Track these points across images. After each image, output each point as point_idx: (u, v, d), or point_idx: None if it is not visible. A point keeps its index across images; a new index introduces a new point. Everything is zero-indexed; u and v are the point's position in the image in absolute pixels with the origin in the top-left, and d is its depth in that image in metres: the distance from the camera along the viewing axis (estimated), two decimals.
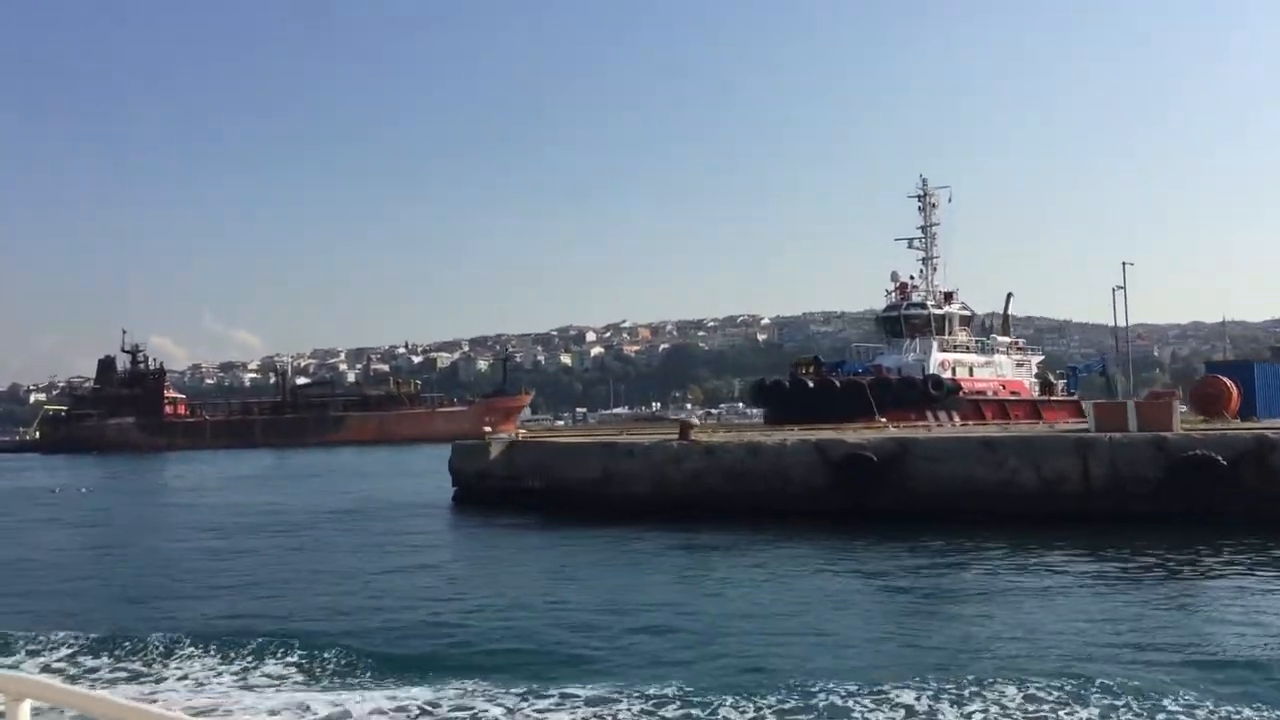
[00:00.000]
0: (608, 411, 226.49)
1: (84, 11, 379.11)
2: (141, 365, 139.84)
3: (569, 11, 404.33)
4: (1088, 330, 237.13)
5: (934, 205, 61.63)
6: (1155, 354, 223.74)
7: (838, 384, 55.17)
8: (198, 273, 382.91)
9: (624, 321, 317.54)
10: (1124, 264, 39.62)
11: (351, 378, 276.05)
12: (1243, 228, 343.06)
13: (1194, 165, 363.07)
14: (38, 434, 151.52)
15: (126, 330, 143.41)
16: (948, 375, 56.60)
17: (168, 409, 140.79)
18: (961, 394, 56.16)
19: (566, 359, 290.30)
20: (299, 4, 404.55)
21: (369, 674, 15.17)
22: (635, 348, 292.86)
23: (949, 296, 60.83)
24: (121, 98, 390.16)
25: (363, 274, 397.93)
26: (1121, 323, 43.30)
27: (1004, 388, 59.91)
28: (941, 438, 31.99)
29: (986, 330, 63.67)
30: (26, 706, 4.06)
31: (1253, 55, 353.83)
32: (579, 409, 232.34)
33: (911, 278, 61.25)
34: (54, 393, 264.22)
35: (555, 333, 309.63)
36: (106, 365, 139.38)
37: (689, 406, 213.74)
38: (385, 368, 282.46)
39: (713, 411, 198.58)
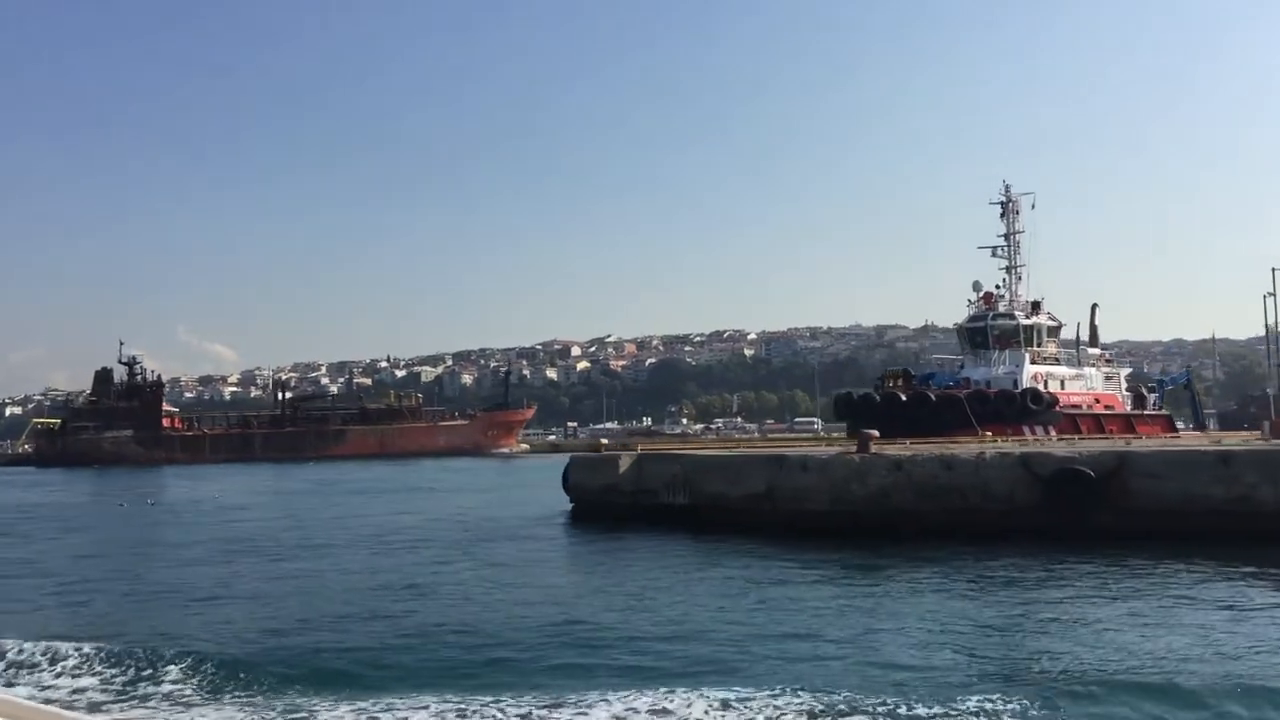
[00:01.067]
0: (599, 426, 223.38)
1: (51, 33, 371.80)
2: (138, 378, 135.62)
3: (558, 28, 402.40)
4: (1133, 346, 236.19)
5: (1017, 212, 59.74)
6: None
7: (933, 397, 52.96)
8: (171, 286, 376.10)
9: (609, 336, 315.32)
10: (1274, 270, 37.52)
11: (334, 390, 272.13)
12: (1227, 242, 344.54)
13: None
14: (26, 447, 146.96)
15: (124, 342, 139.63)
16: (1041, 389, 54.55)
17: (164, 422, 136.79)
18: (1058, 408, 54.14)
19: (552, 373, 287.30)
20: (275, 22, 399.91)
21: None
22: (622, 362, 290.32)
23: (1036, 306, 58.85)
24: (94, 110, 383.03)
25: (339, 288, 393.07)
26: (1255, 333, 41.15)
27: (1097, 401, 57.92)
28: (1163, 450, 29.72)
29: (1074, 343, 61.61)
30: None
31: None
32: (570, 423, 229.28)
33: (997, 286, 59.28)
34: (29, 406, 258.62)
35: (540, 347, 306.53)
36: (103, 377, 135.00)
37: (684, 421, 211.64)
38: (368, 381, 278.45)
39: (711, 426, 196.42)
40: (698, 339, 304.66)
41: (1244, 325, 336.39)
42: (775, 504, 32.31)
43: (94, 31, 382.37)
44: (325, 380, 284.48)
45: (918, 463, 30.29)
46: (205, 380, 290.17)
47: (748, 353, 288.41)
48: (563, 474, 41.42)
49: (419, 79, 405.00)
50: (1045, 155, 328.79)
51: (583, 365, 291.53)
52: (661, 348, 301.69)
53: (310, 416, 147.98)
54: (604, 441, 52.68)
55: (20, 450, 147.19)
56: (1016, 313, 58.38)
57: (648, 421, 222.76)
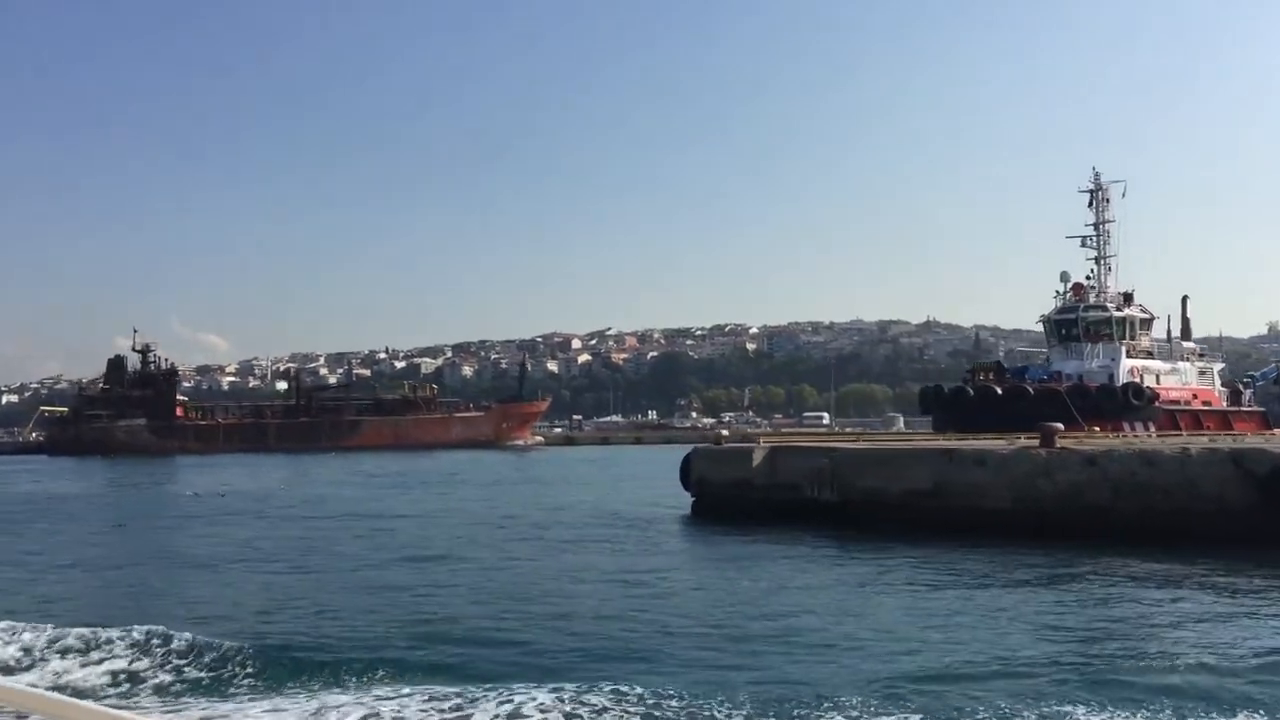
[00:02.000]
0: (603, 419, 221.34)
1: (50, 32, 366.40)
2: (152, 366, 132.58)
3: (558, 28, 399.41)
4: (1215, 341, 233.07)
5: (1107, 200, 57.83)
6: None
7: (1031, 390, 51.04)
8: (166, 277, 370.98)
9: (609, 329, 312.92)
10: None
11: (333, 381, 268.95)
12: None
13: None
14: (33, 435, 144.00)
15: (137, 330, 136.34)
16: (1140, 383, 52.75)
17: (177, 411, 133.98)
18: (1157, 404, 52.35)
19: (553, 366, 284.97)
20: (275, 21, 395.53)
21: None
22: (623, 356, 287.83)
23: (1128, 298, 56.99)
24: (92, 108, 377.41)
25: (336, 281, 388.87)
26: None
27: (1195, 397, 56.14)
28: None
29: (1165, 337, 59.81)
30: None
31: None
32: (575, 416, 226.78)
33: (1087, 277, 57.36)
34: (25, 394, 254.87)
35: (540, 339, 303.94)
36: (116, 365, 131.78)
37: (694, 415, 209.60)
38: (367, 372, 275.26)
39: (723, 420, 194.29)
40: (699, 333, 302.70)
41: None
42: (944, 501, 30.25)
43: (91, 30, 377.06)
44: (324, 371, 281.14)
45: (1114, 458, 28.26)
46: (203, 370, 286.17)
47: (749, 347, 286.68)
48: (681, 467, 39.27)
49: (419, 78, 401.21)
50: (1045, 154, 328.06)
51: (584, 358, 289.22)
52: (663, 341, 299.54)
53: (325, 407, 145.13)
54: (724, 433, 50.56)
55: (27, 439, 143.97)
56: (1108, 305, 56.53)
57: (653, 415, 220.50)
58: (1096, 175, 58.14)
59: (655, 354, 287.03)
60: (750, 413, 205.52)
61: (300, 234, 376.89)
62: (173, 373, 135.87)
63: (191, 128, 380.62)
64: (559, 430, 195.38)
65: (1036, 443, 30.43)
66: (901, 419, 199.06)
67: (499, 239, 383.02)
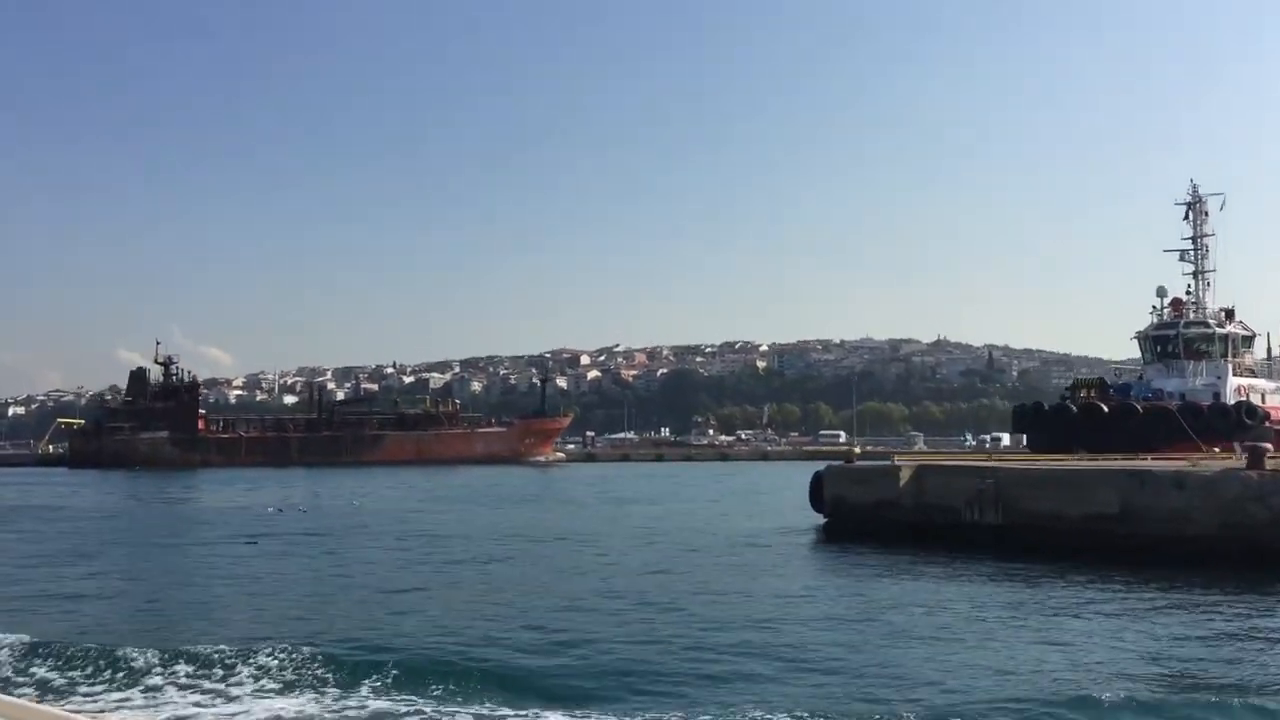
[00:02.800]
0: (615, 436, 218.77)
1: (52, 41, 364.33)
2: (174, 378, 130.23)
3: (568, 43, 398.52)
4: None
5: (1205, 214, 55.98)
6: None
7: (1140, 408, 49.07)
8: (165, 289, 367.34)
9: (617, 345, 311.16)
10: None
11: (340, 396, 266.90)
12: None
13: None
14: (50, 448, 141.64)
15: (160, 341, 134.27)
16: (1251, 402, 50.86)
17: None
18: (1268, 423, 50.38)
19: (562, 382, 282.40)
20: (287, 29, 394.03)
21: None
22: (633, 372, 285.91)
23: (1229, 315, 55.11)
24: (96, 114, 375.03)
25: (336, 293, 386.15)
26: None
27: None
28: None
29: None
30: None
31: None
32: (588, 433, 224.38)
33: (1187, 292, 55.46)
34: (32, 406, 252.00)
35: (548, 355, 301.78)
36: (138, 377, 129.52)
37: (710, 432, 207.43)
38: (374, 387, 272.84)
39: (742, 437, 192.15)
40: (709, 349, 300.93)
41: None
42: (1134, 526, 28.08)
43: (99, 32, 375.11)
44: (332, 385, 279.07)
45: None
46: (210, 383, 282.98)
47: (760, 364, 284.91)
48: (811, 486, 37.16)
49: (426, 92, 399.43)
50: (1052, 172, 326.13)
51: (593, 374, 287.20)
52: (672, 358, 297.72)
53: (346, 420, 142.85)
54: (856, 450, 48.38)
55: (46, 450, 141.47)
56: (1209, 321, 54.63)
57: (665, 431, 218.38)
58: (1194, 187, 56.40)
59: (665, 371, 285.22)
60: (769, 430, 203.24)
61: (304, 248, 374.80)
62: (195, 385, 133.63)
63: (195, 140, 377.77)
64: (571, 446, 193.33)
65: (1223, 462, 28.26)
66: (922, 438, 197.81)
67: (504, 254, 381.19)
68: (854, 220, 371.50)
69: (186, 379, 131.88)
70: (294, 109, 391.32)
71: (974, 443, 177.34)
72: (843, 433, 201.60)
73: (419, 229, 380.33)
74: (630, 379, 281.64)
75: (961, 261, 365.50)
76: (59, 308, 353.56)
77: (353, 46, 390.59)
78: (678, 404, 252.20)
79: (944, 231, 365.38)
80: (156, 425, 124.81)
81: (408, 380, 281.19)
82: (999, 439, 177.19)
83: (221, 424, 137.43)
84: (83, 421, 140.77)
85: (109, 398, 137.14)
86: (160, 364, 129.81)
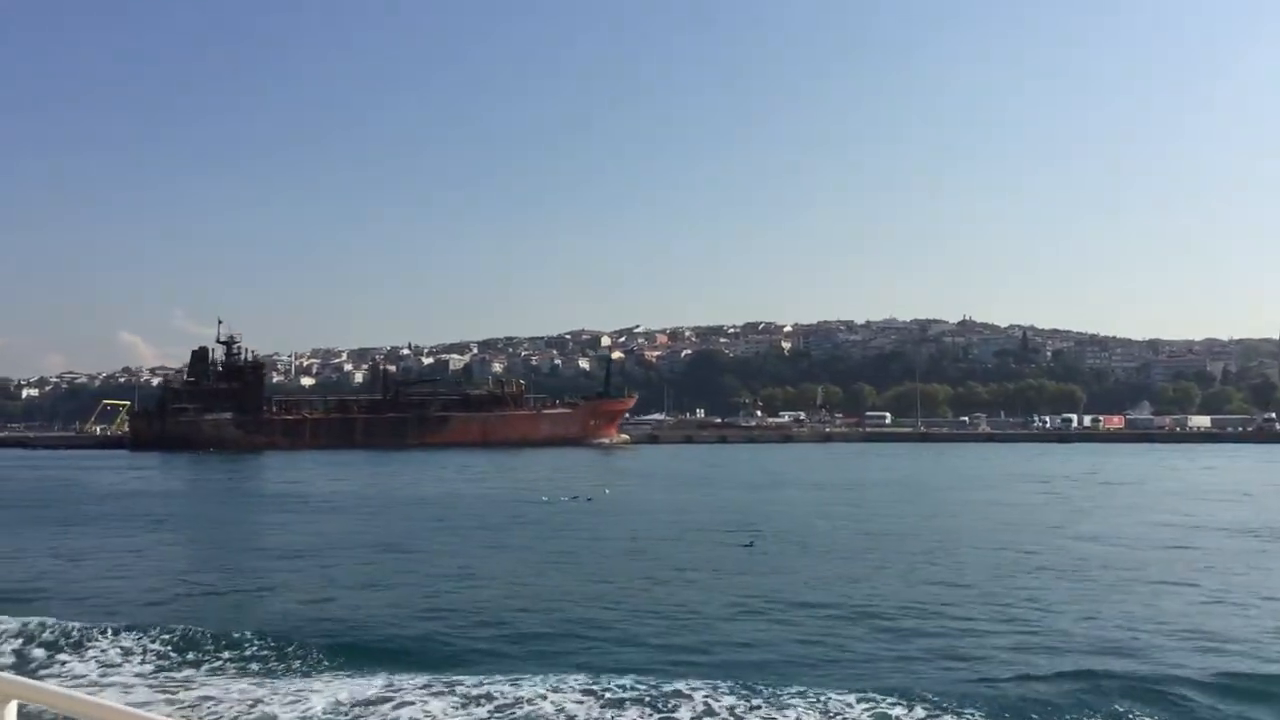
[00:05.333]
0: (645, 418, 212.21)
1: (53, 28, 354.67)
2: (238, 357, 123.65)
3: (600, 23, 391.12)
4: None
5: None
6: None
7: None
8: (167, 270, 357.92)
9: (637, 326, 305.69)
10: None
11: (358, 379, 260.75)
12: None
13: None
14: (97, 429, 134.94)
15: (222, 320, 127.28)
16: None
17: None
18: None
19: (584, 363, 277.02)
20: (298, 17, 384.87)
21: None
22: (656, 353, 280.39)
23: None
24: (97, 94, 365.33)
25: (347, 274, 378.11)
26: None
27: None
28: None
29: None
30: (13, 707, 3.97)
31: None
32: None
33: None
34: (45, 388, 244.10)
35: (568, 336, 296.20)
36: (200, 357, 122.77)
37: (759, 414, 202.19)
38: (393, 368, 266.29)
39: (800, 419, 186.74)
40: (731, 330, 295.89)
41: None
42: None
43: (99, 15, 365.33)
44: (349, 367, 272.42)
45: None
46: None
47: (785, 345, 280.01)
48: None
49: (444, 85, 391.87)
50: (1070, 157, 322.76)
51: (616, 355, 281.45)
52: (695, 339, 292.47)
53: (411, 401, 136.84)
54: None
55: (92, 431, 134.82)
56: None
57: (700, 413, 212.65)
58: None
59: (689, 352, 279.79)
60: (823, 411, 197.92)
61: (312, 229, 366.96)
62: (259, 365, 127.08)
63: (206, 121, 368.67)
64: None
65: None
66: (984, 419, 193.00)
67: (515, 236, 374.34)
68: (878, 201, 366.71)
69: (250, 359, 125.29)
70: (313, 97, 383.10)
71: (1043, 425, 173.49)
72: (887, 414, 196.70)
73: (432, 211, 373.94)
74: (654, 360, 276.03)
75: (980, 244, 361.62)
76: (60, 291, 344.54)
77: (374, 39, 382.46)
78: (704, 385, 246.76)
79: (962, 215, 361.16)
80: (221, 407, 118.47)
81: (426, 362, 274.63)
82: (1069, 420, 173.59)
83: (284, 405, 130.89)
84: (128, 403, 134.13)
85: (167, 378, 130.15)
86: (223, 343, 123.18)
